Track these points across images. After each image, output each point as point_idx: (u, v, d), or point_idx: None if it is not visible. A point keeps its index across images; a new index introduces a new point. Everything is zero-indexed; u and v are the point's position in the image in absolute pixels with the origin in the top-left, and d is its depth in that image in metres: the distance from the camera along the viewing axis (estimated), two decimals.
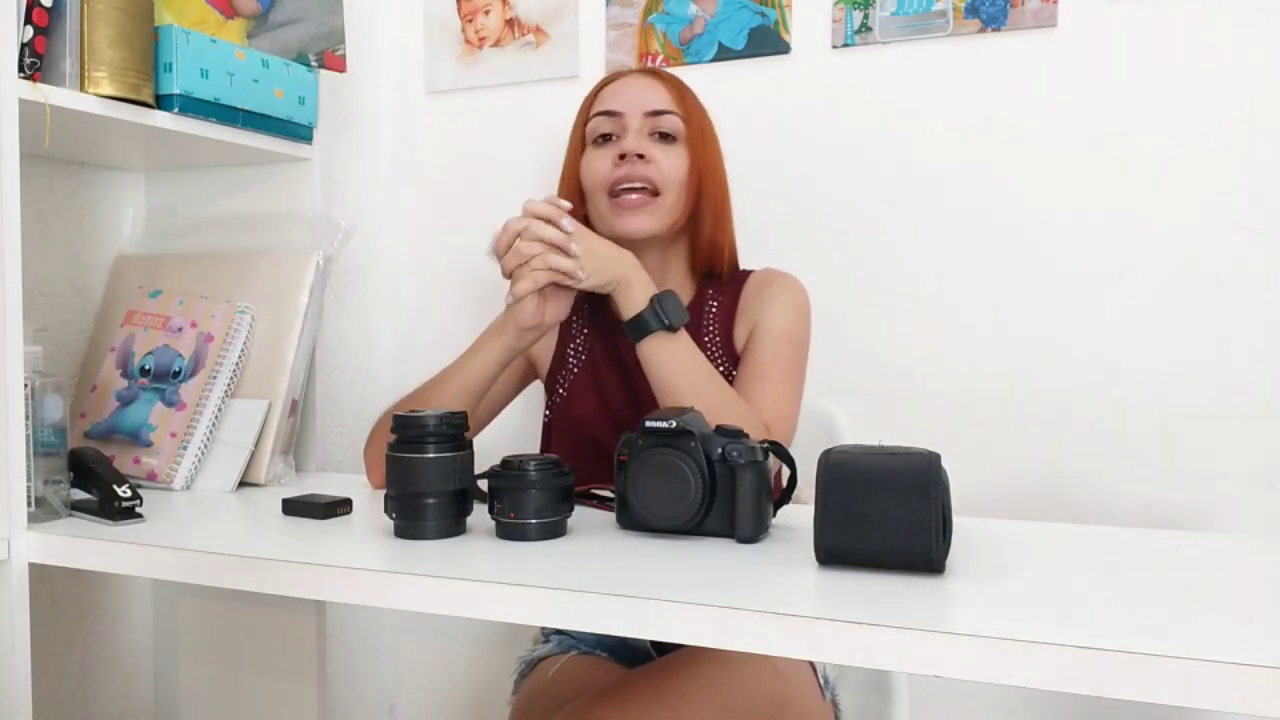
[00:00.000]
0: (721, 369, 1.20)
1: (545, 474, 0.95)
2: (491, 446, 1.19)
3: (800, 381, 1.19)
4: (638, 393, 1.23)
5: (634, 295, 1.10)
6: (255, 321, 1.36)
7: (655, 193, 1.19)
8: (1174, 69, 1.34)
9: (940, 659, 0.68)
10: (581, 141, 1.25)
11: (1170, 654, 0.62)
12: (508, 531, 0.97)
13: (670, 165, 1.20)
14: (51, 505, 1.07)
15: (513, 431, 1.41)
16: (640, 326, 1.10)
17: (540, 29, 1.69)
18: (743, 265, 1.30)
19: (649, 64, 1.61)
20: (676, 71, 1.59)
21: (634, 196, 1.19)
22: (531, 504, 0.95)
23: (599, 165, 1.21)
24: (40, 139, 1.16)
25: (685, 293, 1.26)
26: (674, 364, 1.09)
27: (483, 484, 1.11)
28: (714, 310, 1.24)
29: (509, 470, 0.96)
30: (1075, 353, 1.40)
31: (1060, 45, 1.39)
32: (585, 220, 1.24)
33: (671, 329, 1.09)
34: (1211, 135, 1.33)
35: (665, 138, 1.21)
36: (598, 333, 1.28)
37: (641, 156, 1.18)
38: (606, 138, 1.22)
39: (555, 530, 0.96)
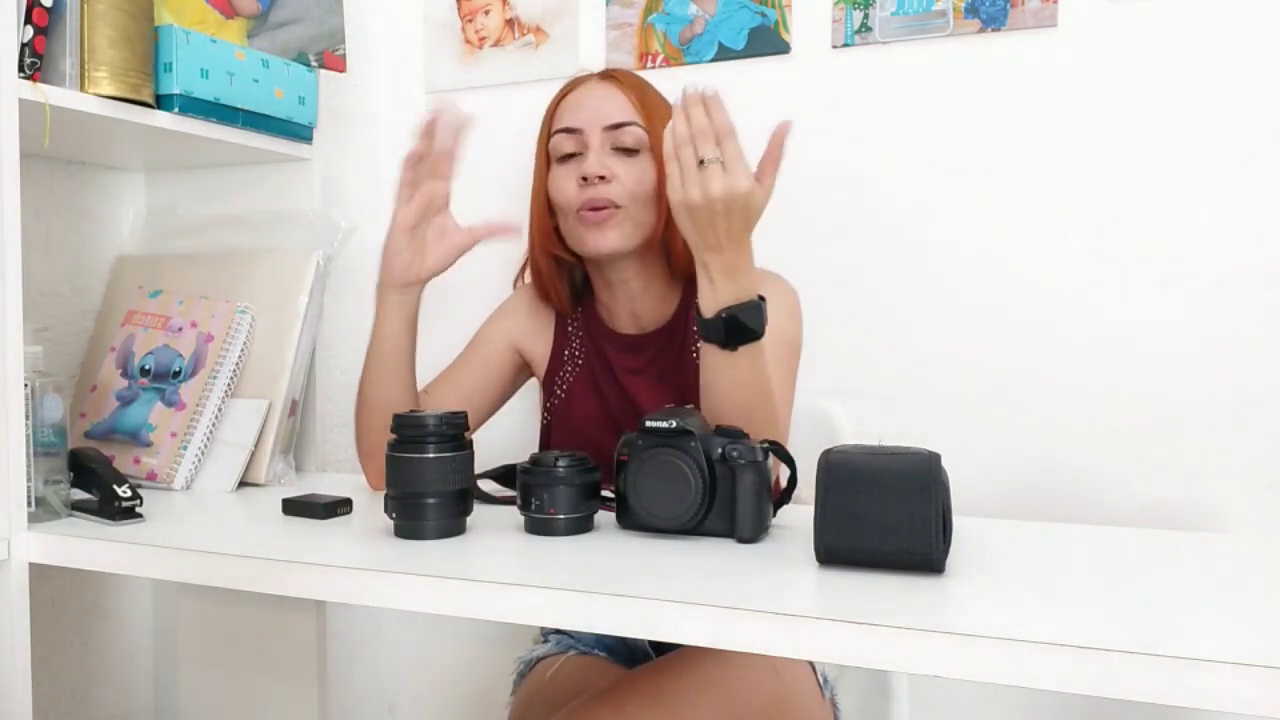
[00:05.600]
0: None
1: (574, 470, 0.98)
2: (490, 447, 1.19)
3: (794, 384, 1.19)
4: (632, 397, 1.22)
5: (714, 293, 0.98)
6: (255, 321, 1.36)
7: (619, 206, 1.16)
8: (1174, 69, 1.34)
9: (940, 659, 0.68)
10: (547, 157, 1.22)
11: (1170, 654, 0.62)
12: (536, 526, 0.99)
13: (633, 179, 1.16)
14: (51, 505, 1.07)
15: (508, 432, 1.42)
16: (703, 332, 1.01)
17: (540, 29, 1.69)
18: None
19: (648, 65, 1.60)
20: (675, 71, 1.60)
21: (599, 212, 1.16)
22: (565, 499, 0.97)
23: (565, 186, 1.19)
24: (40, 139, 1.16)
25: (670, 299, 1.24)
26: (726, 383, 1.02)
27: (484, 483, 1.12)
28: None
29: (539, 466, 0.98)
30: (1075, 352, 1.40)
31: (1060, 45, 1.39)
32: (557, 235, 1.23)
33: (729, 348, 0.99)
34: (1212, 135, 1.33)
35: (627, 151, 1.17)
36: (591, 336, 1.28)
37: (603, 178, 1.15)
38: (570, 155, 1.19)
39: (584, 525, 0.99)
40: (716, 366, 1.01)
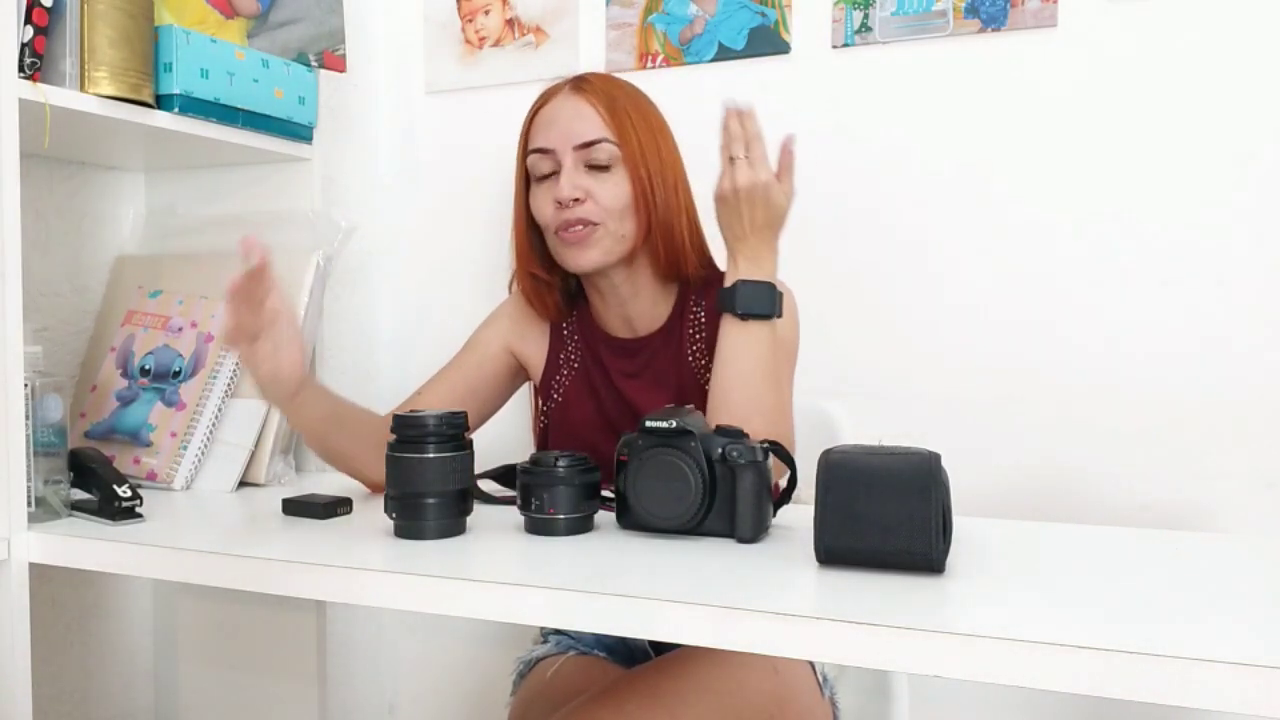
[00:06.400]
0: (708, 374, 1.18)
1: (574, 470, 0.98)
2: (489, 448, 1.19)
3: (792, 385, 1.19)
4: (628, 401, 1.22)
5: (736, 270, 1.11)
6: None
7: (597, 224, 1.16)
8: (1174, 69, 1.34)
9: (940, 659, 0.68)
10: (526, 175, 1.22)
11: (1170, 654, 0.62)
12: (536, 526, 0.99)
13: (609, 196, 1.15)
14: (51, 505, 1.07)
15: (507, 433, 1.41)
16: (720, 301, 1.12)
17: (540, 29, 1.69)
18: (725, 266, 1.27)
19: (648, 65, 1.60)
20: (675, 71, 1.60)
21: (576, 230, 1.15)
22: (564, 499, 0.98)
23: (543, 206, 1.18)
24: (40, 139, 1.16)
25: (664, 302, 1.24)
26: (735, 351, 1.10)
27: (484, 483, 1.12)
28: (699, 317, 1.23)
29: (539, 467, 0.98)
30: (1075, 353, 1.40)
31: (1060, 45, 1.39)
32: (539, 251, 1.23)
33: (741, 317, 1.10)
34: (1212, 135, 1.33)
35: (601, 167, 1.16)
36: (586, 340, 1.28)
37: (577, 200, 1.15)
38: (546, 175, 1.19)
39: (584, 525, 1.00)
40: (728, 333, 1.11)
